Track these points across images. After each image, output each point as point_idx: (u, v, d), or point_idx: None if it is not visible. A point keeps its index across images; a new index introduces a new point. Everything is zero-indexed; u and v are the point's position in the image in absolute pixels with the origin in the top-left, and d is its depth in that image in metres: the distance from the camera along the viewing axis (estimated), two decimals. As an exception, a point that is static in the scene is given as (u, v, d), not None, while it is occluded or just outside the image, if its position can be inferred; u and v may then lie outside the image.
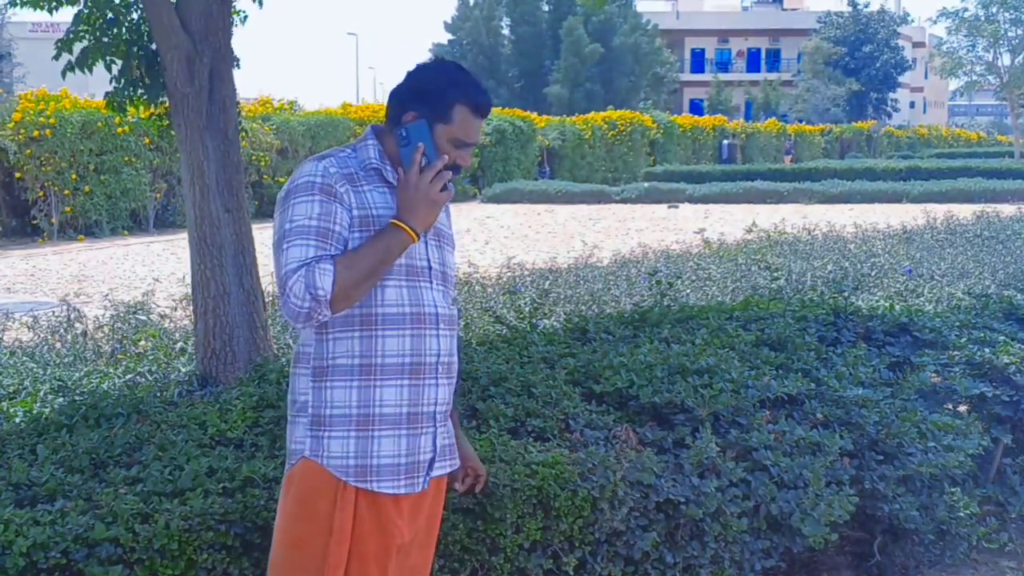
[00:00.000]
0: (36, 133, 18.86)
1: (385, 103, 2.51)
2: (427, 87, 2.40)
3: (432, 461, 2.47)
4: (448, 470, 2.54)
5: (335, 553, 2.35)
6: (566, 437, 3.50)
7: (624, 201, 27.81)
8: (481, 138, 2.44)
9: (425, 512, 2.50)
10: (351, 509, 2.36)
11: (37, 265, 15.38)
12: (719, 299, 7.28)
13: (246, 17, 6.39)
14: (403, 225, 2.32)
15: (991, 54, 44.48)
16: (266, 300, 5.82)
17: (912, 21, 68.65)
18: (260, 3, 6.40)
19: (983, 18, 43.19)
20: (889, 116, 63.35)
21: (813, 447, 3.74)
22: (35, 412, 4.25)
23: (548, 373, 4.01)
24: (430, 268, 2.44)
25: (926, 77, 74.64)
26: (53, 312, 7.55)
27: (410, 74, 2.45)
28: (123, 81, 5.83)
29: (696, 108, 61.07)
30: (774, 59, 70.18)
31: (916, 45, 71.51)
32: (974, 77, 45.66)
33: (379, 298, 2.35)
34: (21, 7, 5.91)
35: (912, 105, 76.20)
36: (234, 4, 5.72)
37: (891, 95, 63.71)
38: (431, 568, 2.63)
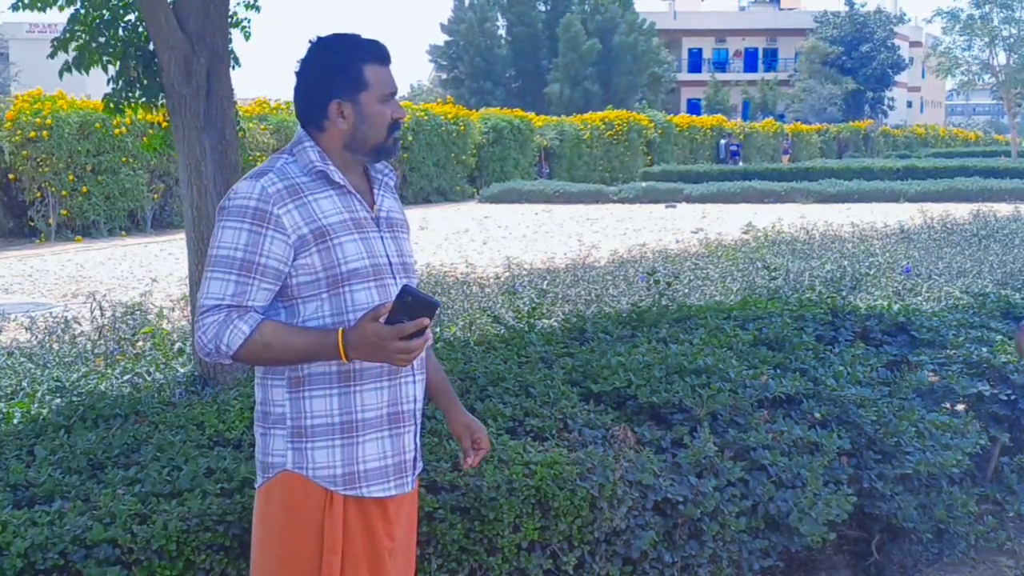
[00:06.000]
0: (33, 134, 18.83)
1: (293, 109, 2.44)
2: (330, 69, 2.34)
3: (415, 459, 2.47)
4: (417, 471, 2.52)
5: (329, 562, 2.33)
6: (564, 437, 3.50)
7: (622, 201, 27.83)
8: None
9: (405, 514, 2.50)
10: (340, 518, 2.34)
11: (35, 266, 15.36)
12: (717, 299, 7.29)
13: (250, 23, 6.36)
14: (343, 349, 2.22)
15: (987, 53, 44.53)
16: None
17: (909, 20, 68.70)
18: (257, 8, 6.38)
19: (977, 17, 43.24)
20: (886, 115, 63.39)
21: (811, 446, 3.74)
22: (33, 413, 4.25)
23: (546, 373, 4.01)
24: (391, 264, 2.39)
25: (923, 76, 74.71)
26: (51, 313, 7.54)
27: (304, 69, 2.37)
28: (121, 82, 5.83)
29: (694, 108, 61.12)
30: (771, 59, 70.23)
31: (913, 44, 71.52)
32: (970, 76, 45.71)
33: (351, 303, 2.31)
34: (22, 9, 5.90)
35: (909, 104, 76.21)
36: (235, 13, 5.69)
37: (888, 94, 63.76)
38: (424, 570, 2.62)
